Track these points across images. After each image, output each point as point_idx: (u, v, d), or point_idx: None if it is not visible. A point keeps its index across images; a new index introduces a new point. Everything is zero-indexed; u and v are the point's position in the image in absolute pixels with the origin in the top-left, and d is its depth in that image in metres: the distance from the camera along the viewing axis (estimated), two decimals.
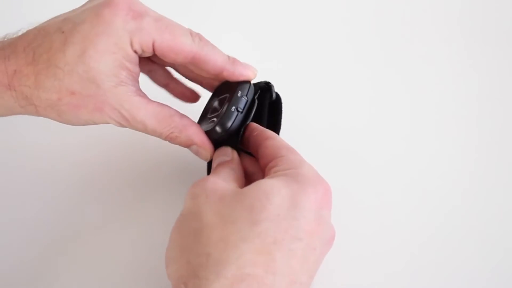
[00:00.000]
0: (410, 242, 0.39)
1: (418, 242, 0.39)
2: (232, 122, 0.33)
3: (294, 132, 0.39)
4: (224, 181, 0.29)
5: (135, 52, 0.31)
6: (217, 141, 0.34)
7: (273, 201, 0.26)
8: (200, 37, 0.33)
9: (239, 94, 0.34)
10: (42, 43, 0.31)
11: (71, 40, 0.30)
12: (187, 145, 0.34)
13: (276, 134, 0.33)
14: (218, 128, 0.33)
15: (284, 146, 0.31)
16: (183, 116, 0.34)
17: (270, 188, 0.26)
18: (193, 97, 0.40)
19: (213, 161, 0.33)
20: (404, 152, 0.45)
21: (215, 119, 0.34)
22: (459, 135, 0.46)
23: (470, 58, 0.52)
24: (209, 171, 0.34)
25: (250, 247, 0.24)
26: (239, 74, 0.34)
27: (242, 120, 0.33)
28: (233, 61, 0.34)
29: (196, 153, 0.34)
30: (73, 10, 0.32)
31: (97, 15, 0.30)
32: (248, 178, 0.32)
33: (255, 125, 0.34)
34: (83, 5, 0.32)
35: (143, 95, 0.33)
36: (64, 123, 0.33)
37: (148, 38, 0.31)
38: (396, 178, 0.43)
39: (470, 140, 0.46)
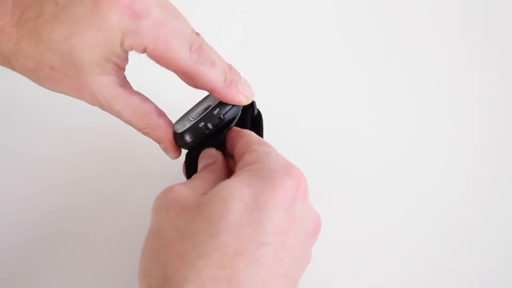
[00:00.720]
0: (406, 246, 0.39)
1: (413, 246, 0.39)
2: (192, 138, 0.33)
3: (282, 135, 0.38)
4: (189, 190, 0.27)
5: (125, 50, 0.30)
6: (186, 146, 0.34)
7: (232, 208, 0.24)
8: (199, 53, 0.30)
9: (216, 111, 0.33)
10: (32, 6, 0.28)
11: (62, 18, 0.28)
12: (157, 142, 0.34)
13: (251, 132, 0.32)
14: (179, 139, 0.33)
15: (254, 141, 0.30)
16: (160, 115, 0.33)
17: (228, 193, 0.24)
18: None
19: (198, 164, 0.33)
20: (400, 154, 0.44)
21: (187, 124, 0.34)
22: (457, 136, 0.46)
23: (469, 58, 0.52)
24: (187, 174, 0.34)
25: (209, 262, 0.22)
26: (230, 99, 0.32)
27: (207, 136, 0.33)
28: (229, 83, 0.32)
29: (164, 151, 0.34)
30: None
31: (96, 5, 0.28)
32: None
33: (233, 128, 0.33)
34: None
35: (125, 85, 0.32)
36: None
37: (140, 43, 0.29)
38: (391, 181, 0.43)
39: (468, 142, 0.46)
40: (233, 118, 0.34)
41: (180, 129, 0.34)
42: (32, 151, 0.43)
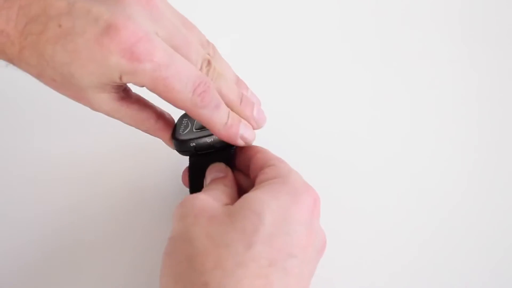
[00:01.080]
0: (406, 246, 0.39)
1: (413, 247, 0.39)
2: (196, 150, 0.34)
3: (282, 135, 0.38)
4: (213, 199, 0.28)
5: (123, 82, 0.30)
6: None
7: (265, 220, 0.25)
8: (203, 97, 0.30)
9: (207, 140, 0.34)
10: (37, 20, 0.28)
11: (63, 43, 0.28)
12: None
13: (266, 149, 0.33)
14: (180, 146, 0.35)
15: (273, 157, 0.31)
16: (159, 118, 0.34)
17: (260, 206, 0.26)
18: None
19: (206, 177, 0.33)
20: (400, 155, 0.44)
21: (191, 135, 0.35)
22: (457, 136, 0.46)
23: (469, 58, 0.52)
24: (191, 188, 0.34)
25: (246, 273, 0.24)
26: (227, 140, 0.32)
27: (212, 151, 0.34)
28: (229, 127, 0.31)
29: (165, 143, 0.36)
30: None
31: (97, 40, 0.27)
32: (241, 195, 0.31)
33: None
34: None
35: (124, 99, 0.32)
36: None
37: (138, 82, 0.29)
38: (390, 182, 0.43)
39: (468, 142, 0.46)
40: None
41: (183, 136, 0.35)
42: (33, 149, 0.43)
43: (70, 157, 0.42)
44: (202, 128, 0.35)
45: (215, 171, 0.32)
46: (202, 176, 0.33)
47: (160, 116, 0.35)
